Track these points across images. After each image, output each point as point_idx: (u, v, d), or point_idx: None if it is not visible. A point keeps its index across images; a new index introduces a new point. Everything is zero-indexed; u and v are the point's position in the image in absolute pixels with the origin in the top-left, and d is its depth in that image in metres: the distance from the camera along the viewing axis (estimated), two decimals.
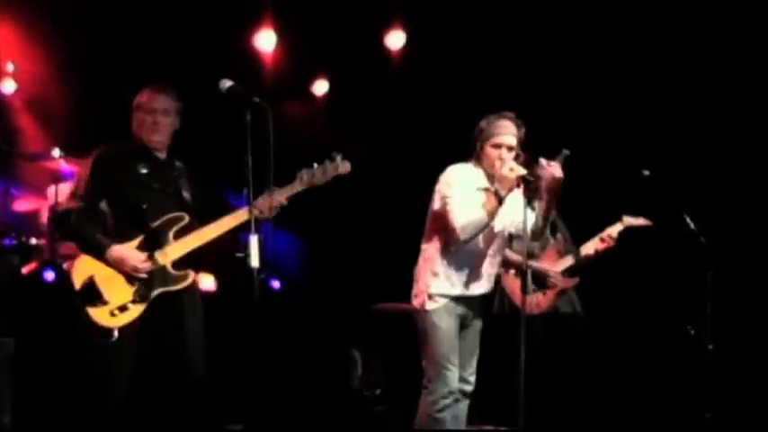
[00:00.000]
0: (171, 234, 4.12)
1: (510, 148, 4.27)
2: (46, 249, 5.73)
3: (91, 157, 4.22)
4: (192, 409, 4.16)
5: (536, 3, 6.71)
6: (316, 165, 4.25)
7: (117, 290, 4.05)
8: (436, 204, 4.33)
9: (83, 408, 4.17)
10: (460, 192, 4.24)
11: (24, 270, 5.38)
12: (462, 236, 4.19)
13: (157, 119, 4.17)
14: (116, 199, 4.14)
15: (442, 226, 4.28)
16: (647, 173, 5.61)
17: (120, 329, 3.99)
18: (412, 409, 5.06)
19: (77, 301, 4.01)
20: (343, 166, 4.26)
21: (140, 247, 4.09)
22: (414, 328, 4.57)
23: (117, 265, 4.03)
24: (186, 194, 4.25)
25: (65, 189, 6.02)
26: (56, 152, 6.05)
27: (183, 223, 4.14)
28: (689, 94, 6.51)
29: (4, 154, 5.73)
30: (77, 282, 4.03)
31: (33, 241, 5.80)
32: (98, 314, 4.02)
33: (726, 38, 6.34)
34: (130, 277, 4.05)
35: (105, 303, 4.02)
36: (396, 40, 7.35)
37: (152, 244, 4.10)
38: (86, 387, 4.13)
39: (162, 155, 4.25)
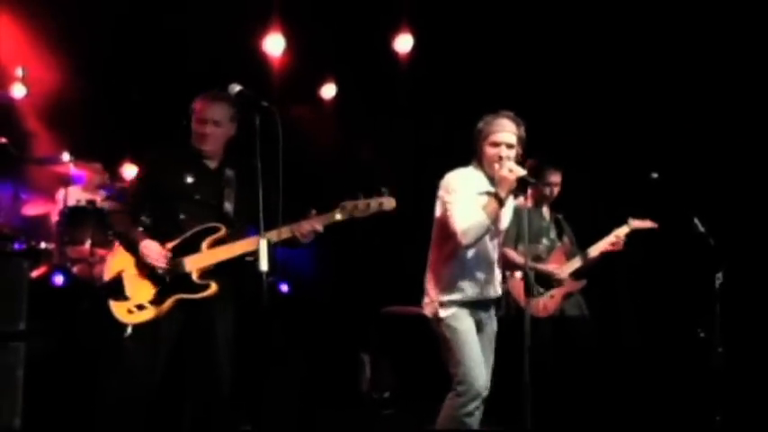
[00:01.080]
0: (204, 244, 4.14)
1: (509, 146, 4.20)
2: (55, 253, 5.77)
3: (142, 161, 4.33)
4: (215, 409, 4.20)
5: (545, 6, 6.69)
6: (361, 195, 4.21)
7: (140, 288, 4.13)
8: (438, 211, 4.29)
9: (103, 406, 4.24)
10: (461, 196, 4.19)
11: (34, 274, 5.39)
12: (465, 240, 4.14)
13: (207, 129, 4.19)
14: (157, 205, 4.22)
15: (447, 233, 4.22)
16: (655, 175, 5.62)
17: (135, 327, 4.06)
18: (420, 412, 5.06)
19: (101, 293, 4.11)
20: (389, 203, 4.19)
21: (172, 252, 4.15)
22: (423, 332, 4.55)
23: (143, 257, 4.09)
24: (229, 206, 4.26)
25: (74, 193, 6.08)
26: (65, 156, 6.10)
27: (217, 234, 4.16)
28: (697, 97, 6.50)
29: (14, 158, 5.75)
30: (107, 274, 4.15)
31: (42, 245, 5.85)
32: (117, 308, 4.11)
33: (735, 42, 6.33)
34: (155, 279, 4.11)
35: (126, 299, 4.11)
36: (404, 43, 7.35)
37: (183, 251, 4.13)
38: (105, 385, 4.24)
39: (212, 164, 4.28)
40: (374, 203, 4.18)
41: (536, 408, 4.06)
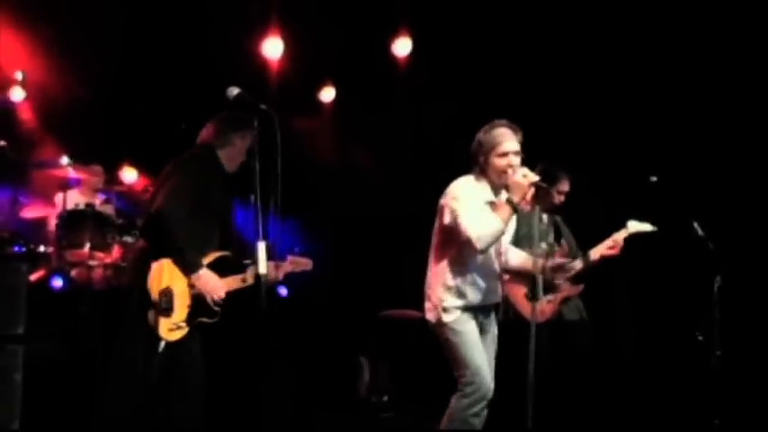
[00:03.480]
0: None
1: (516, 153, 4.23)
2: (53, 257, 5.75)
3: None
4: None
5: (543, 10, 6.69)
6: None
7: (181, 308, 4.14)
8: (446, 219, 4.26)
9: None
10: (468, 204, 4.19)
11: (32, 277, 5.36)
12: (479, 245, 4.13)
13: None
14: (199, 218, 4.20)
15: (453, 239, 4.24)
16: (654, 179, 5.61)
17: (172, 344, 4.09)
18: (418, 415, 5.06)
19: (148, 305, 4.05)
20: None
21: None
22: (421, 335, 4.56)
23: (200, 284, 4.13)
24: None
25: (72, 196, 6.07)
26: (64, 160, 6.10)
27: (227, 262, 4.31)
28: (697, 100, 6.49)
29: (13, 162, 5.74)
30: (155, 286, 4.06)
31: (41, 248, 5.81)
32: (163, 324, 4.08)
33: (735, 46, 6.32)
34: (194, 301, 4.14)
35: (170, 317, 4.10)
36: (402, 47, 7.35)
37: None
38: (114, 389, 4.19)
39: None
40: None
41: (535, 411, 4.06)
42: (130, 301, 4.15)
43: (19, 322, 4.43)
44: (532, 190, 4.16)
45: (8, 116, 6.74)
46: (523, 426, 4.06)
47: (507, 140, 4.24)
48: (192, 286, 4.14)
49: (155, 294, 4.05)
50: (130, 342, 4.16)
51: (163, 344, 4.07)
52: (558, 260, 5.23)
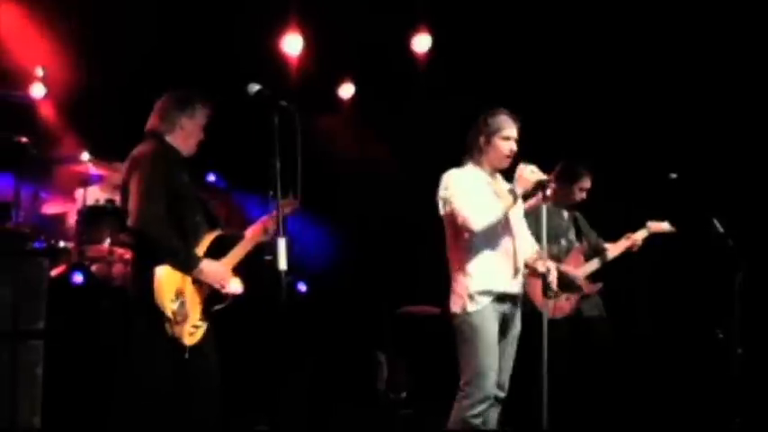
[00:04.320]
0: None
1: (516, 141, 4.43)
2: (74, 252, 5.69)
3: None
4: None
5: (563, 7, 6.68)
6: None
7: (194, 308, 4.02)
8: (443, 210, 4.37)
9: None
10: (459, 189, 4.30)
11: (53, 273, 5.28)
12: (475, 226, 4.23)
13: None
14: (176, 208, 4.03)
15: (457, 227, 4.32)
16: (674, 176, 5.60)
17: (193, 348, 3.96)
18: (436, 412, 5.05)
19: (162, 320, 3.89)
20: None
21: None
22: (439, 332, 4.57)
23: (205, 277, 3.99)
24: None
25: (93, 192, 6.06)
26: (84, 156, 6.05)
27: (223, 240, 4.16)
28: (716, 97, 6.46)
29: (34, 159, 5.71)
30: (165, 301, 3.88)
31: (62, 244, 5.76)
32: (184, 332, 3.96)
33: (755, 42, 6.29)
34: (204, 296, 4.03)
35: (186, 321, 3.97)
36: (422, 43, 7.35)
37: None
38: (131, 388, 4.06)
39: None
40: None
41: (552, 408, 4.10)
42: (138, 320, 3.99)
43: (40, 317, 4.34)
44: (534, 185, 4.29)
45: (29, 113, 6.68)
46: (539, 421, 4.11)
47: (512, 126, 4.44)
48: (197, 282, 4.00)
49: (168, 310, 3.89)
50: (147, 360, 3.98)
51: (188, 352, 3.94)
52: (569, 269, 5.41)
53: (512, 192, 4.28)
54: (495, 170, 4.43)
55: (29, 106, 6.71)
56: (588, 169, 5.63)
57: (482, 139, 4.40)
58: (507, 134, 4.39)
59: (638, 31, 6.57)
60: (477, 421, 4.25)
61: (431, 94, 7.24)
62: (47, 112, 6.94)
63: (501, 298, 4.33)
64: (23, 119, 6.36)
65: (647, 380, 6.33)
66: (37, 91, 6.79)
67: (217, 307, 4.07)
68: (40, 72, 6.73)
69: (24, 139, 5.30)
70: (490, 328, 4.29)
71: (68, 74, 6.75)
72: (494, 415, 4.34)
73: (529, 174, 4.25)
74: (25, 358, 4.30)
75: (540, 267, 4.38)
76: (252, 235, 4.18)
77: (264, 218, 4.19)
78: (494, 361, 4.27)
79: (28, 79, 6.72)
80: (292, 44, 7.26)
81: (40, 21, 6.61)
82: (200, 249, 4.06)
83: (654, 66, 6.60)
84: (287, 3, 7.05)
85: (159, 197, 3.94)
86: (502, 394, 4.35)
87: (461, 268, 4.35)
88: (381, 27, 7.01)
